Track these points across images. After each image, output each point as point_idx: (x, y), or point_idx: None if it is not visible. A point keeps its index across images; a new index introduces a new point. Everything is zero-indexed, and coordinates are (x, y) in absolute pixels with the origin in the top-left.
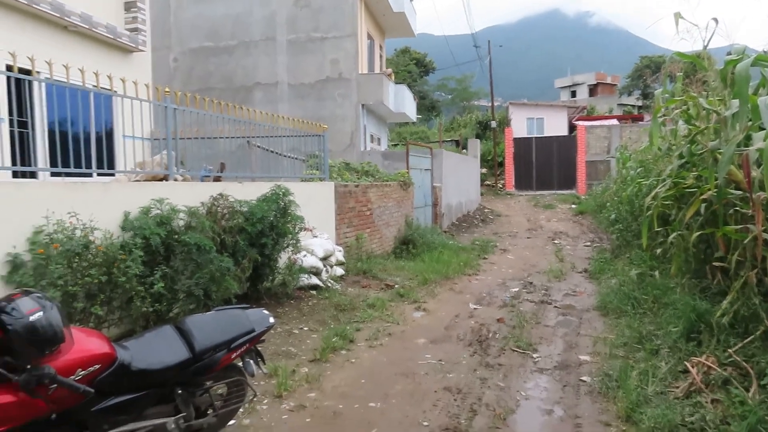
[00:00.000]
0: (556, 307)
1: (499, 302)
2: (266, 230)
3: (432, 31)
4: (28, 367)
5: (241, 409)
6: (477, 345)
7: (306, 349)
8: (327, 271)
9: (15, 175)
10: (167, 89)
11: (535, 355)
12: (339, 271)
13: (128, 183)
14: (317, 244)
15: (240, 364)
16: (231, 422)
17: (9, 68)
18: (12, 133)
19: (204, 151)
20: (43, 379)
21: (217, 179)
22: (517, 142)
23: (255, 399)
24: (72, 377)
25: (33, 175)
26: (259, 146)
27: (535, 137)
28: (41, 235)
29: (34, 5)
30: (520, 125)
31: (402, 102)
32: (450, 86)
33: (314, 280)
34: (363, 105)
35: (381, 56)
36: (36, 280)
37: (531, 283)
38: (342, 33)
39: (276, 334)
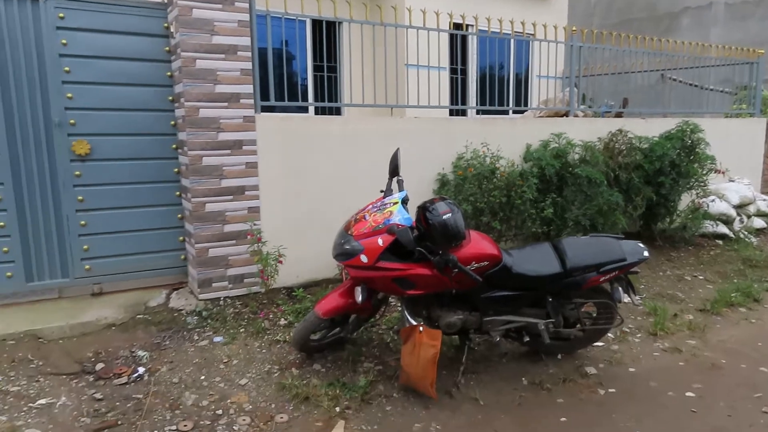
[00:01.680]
0: None
1: None
2: (665, 169)
3: None
4: (440, 252)
5: (610, 335)
6: None
7: (695, 297)
8: (741, 221)
9: (451, 113)
10: (574, 28)
11: None
12: (759, 222)
13: (532, 119)
14: (732, 189)
15: (609, 289)
16: (599, 343)
17: (457, 26)
18: (452, 79)
19: (619, 87)
20: (448, 263)
21: (618, 115)
22: None
23: (627, 330)
24: (468, 267)
25: (464, 112)
26: (674, 79)
27: None
28: (461, 160)
29: None
30: None
31: None
32: None
33: (722, 229)
34: None
35: None
36: (455, 195)
37: None
38: None
39: (664, 277)
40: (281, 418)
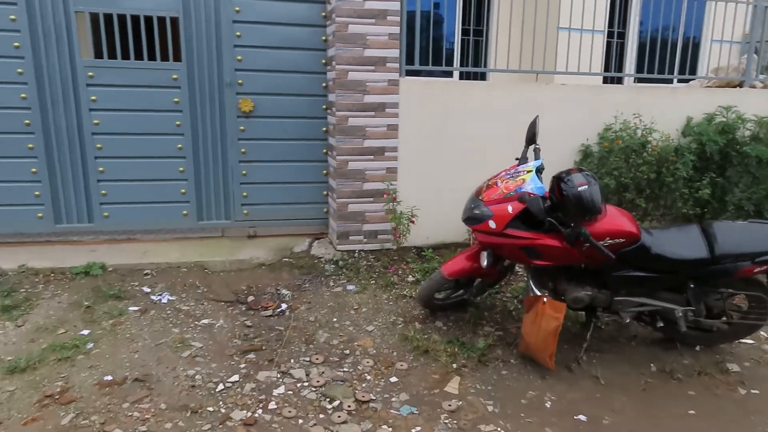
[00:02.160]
0: None
1: None
2: None
3: None
4: (572, 225)
5: (763, 333)
6: None
7: None
8: None
9: (605, 80)
10: None
11: None
12: None
13: (697, 89)
14: None
15: (766, 282)
16: (747, 340)
17: None
18: (608, 44)
19: None
20: (579, 236)
21: None
22: None
23: None
24: (601, 243)
25: (619, 80)
26: None
27: None
28: (609, 132)
29: None
30: None
31: None
32: None
33: None
34: None
35: None
36: (598, 168)
37: None
38: None
39: None
40: (401, 365)
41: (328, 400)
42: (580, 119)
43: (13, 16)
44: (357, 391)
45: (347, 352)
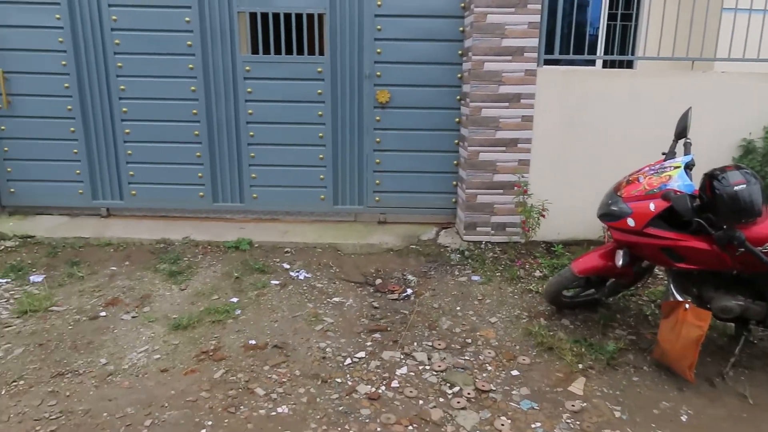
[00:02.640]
0: None
1: None
2: None
3: None
4: (724, 227)
5: None
6: None
7: None
8: None
9: None
10: None
11: None
12: None
13: None
14: None
15: None
16: None
17: None
18: None
19: None
20: (733, 240)
21: None
22: None
23: None
24: (759, 248)
25: None
26: None
27: None
28: None
29: None
30: None
31: None
32: None
33: None
34: None
35: None
36: (762, 166)
37: None
38: None
39: None
40: (523, 359)
41: (448, 385)
42: (743, 111)
43: (188, 18)
44: (477, 380)
45: (469, 341)
